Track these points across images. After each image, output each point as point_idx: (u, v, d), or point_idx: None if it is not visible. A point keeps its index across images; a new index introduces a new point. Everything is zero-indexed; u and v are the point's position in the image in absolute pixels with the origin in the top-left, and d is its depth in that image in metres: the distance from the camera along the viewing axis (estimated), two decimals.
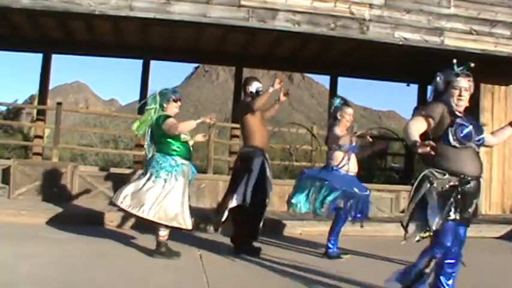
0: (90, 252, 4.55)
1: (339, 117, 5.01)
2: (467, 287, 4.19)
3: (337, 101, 5.03)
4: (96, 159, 13.72)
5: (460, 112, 3.18)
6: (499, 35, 7.64)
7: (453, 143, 3.02)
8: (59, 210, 6.22)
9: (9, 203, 6.70)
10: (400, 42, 7.39)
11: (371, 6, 7.27)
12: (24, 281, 3.50)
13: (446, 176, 2.99)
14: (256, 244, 4.93)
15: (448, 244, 3.03)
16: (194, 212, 6.71)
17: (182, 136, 4.63)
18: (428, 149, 2.76)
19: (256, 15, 6.96)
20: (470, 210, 3.07)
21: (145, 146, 4.79)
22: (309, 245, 5.53)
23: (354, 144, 4.90)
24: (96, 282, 3.63)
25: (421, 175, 3.04)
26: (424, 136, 3.12)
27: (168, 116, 4.60)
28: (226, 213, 4.83)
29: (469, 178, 3.02)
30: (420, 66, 10.22)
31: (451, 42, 7.51)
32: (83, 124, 18.97)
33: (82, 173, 7.54)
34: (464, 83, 3.23)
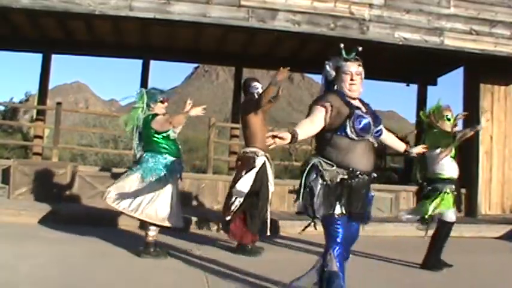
0: (90, 252, 4.55)
1: None
2: (467, 287, 4.20)
3: None
4: (96, 159, 13.72)
5: (353, 99, 3.02)
6: (499, 35, 7.64)
7: (351, 135, 2.89)
8: (59, 210, 6.22)
9: (9, 203, 6.70)
10: (400, 42, 7.39)
11: (371, 6, 7.27)
12: (24, 281, 3.50)
13: (334, 167, 2.89)
14: (257, 244, 4.93)
15: (338, 239, 2.93)
16: (194, 212, 6.75)
17: (172, 134, 4.63)
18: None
19: (256, 15, 6.96)
20: (357, 205, 2.94)
21: (134, 146, 4.77)
22: (309, 245, 5.53)
23: None
24: (96, 282, 3.63)
25: (310, 164, 2.93)
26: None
27: (156, 114, 4.59)
28: (230, 216, 4.81)
29: (358, 172, 2.90)
30: (420, 66, 10.23)
31: (450, 42, 7.51)
32: (83, 124, 18.94)
33: (82, 173, 7.54)
34: (354, 68, 3.03)
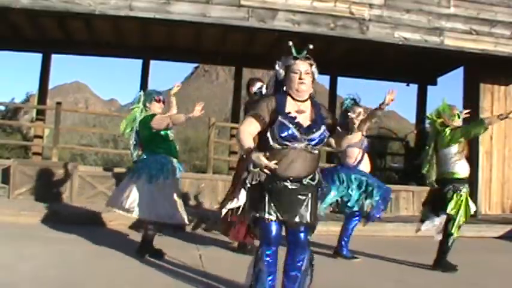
0: (90, 252, 4.55)
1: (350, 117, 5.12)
2: (467, 287, 4.20)
3: (347, 101, 5.10)
4: (96, 159, 13.72)
5: (302, 101, 2.89)
6: (499, 34, 7.64)
7: (272, 143, 2.76)
8: (59, 210, 6.22)
9: (9, 203, 6.70)
10: (400, 42, 7.39)
11: (371, 6, 7.28)
12: (24, 281, 3.49)
13: (257, 170, 2.78)
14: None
15: (266, 240, 2.86)
16: (194, 212, 6.74)
17: (170, 135, 4.63)
18: (263, 162, 2.55)
19: (256, 15, 6.97)
20: (284, 211, 2.79)
21: (130, 147, 4.76)
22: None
23: (365, 142, 5.09)
24: (96, 282, 3.63)
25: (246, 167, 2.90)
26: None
27: (155, 115, 4.60)
28: (223, 212, 4.82)
29: (278, 178, 2.76)
30: (420, 66, 10.23)
31: (450, 42, 7.51)
32: (83, 124, 18.96)
33: (82, 173, 7.53)
34: (304, 66, 2.92)
